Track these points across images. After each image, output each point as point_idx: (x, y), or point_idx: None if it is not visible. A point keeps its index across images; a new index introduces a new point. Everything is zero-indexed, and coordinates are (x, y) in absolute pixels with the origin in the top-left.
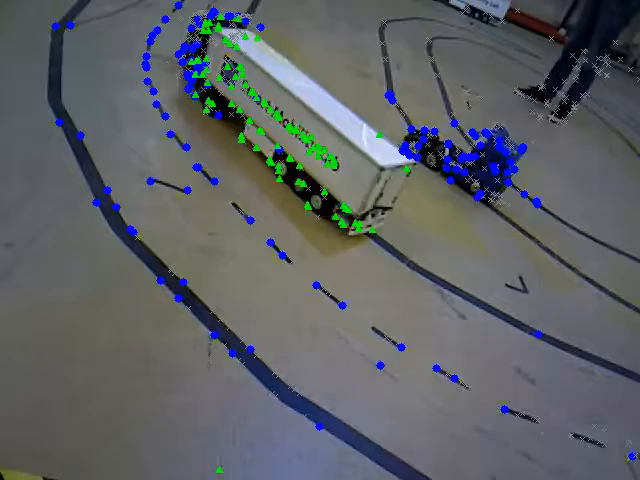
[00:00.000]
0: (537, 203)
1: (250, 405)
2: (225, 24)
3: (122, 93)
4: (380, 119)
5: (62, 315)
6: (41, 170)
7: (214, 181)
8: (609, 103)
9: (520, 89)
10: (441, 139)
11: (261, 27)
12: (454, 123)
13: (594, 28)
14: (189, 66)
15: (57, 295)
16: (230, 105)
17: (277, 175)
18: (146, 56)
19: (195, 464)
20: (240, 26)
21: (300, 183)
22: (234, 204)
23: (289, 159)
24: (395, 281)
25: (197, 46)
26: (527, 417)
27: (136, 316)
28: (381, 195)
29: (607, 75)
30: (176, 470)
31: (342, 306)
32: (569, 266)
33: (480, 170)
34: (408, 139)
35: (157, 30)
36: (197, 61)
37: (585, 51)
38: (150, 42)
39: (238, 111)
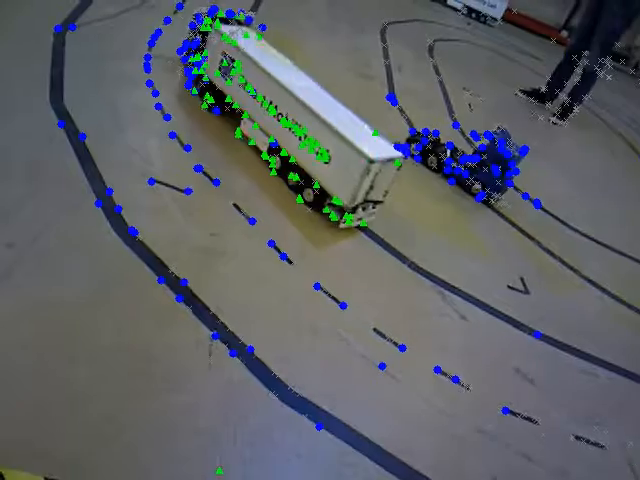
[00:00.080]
0: (538, 204)
1: (250, 405)
2: (225, 21)
3: (124, 94)
4: (382, 121)
5: (63, 315)
6: (43, 171)
7: (216, 182)
8: (611, 105)
9: (521, 91)
10: (442, 141)
11: (263, 27)
12: (456, 125)
13: (596, 30)
14: (190, 63)
15: (58, 295)
16: (227, 100)
17: (271, 169)
18: (147, 57)
19: (196, 464)
20: (241, 24)
21: (293, 177)
22: (235, 205)
23: (283, 153)
24: (396, 281)
25: (198, 43)
26: (528, 418)
27: (137, 316)
28: (372, 188)
29: (609, 77)
30: (178, 470)
31: (343, 306)
32: (571, 267)
33: (481, 172)
34: (409, 141)
35: (159, 32)
36: (197, 58)
37: (587, 53)
38: (152, 44)
39: (234, 106)
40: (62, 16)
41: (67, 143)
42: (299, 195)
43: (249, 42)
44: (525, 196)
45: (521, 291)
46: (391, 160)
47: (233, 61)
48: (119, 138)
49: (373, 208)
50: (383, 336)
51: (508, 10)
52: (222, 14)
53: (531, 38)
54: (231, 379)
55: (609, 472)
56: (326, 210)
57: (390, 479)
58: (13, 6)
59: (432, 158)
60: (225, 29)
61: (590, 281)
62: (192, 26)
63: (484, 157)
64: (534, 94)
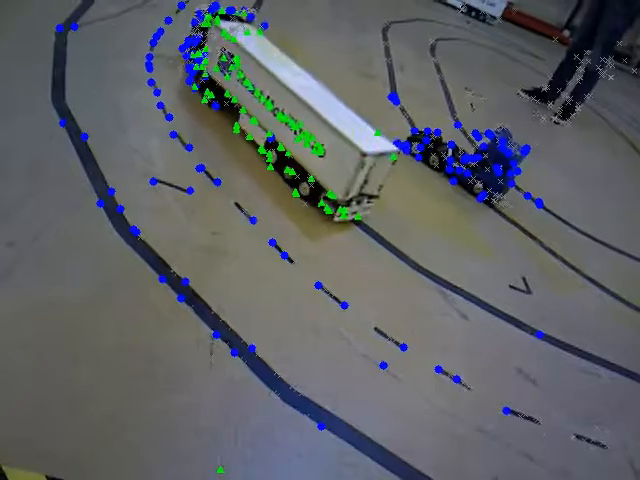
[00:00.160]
0: (540, 204)
1: (252, 405)
2: (226, 18)
3: (126, 93)
4: (384, 120)
5: (64, 315)
6: (44, 170)
7: (217, 182)
8: (612, 104)
9: (523, 90)
10: (444, 140)
11: (265, 25)
12: (457, 124)
13: (598, 29)
14: (191, 59)
15: (59, 295)
16: (226, 95)
17: (268, 163)
18: (149, 56)
19: (198, 464)
20: (243, 21)
21: (289, 171)
22: (236, 204)
23: (280, 147)
24: (397, 281)
25: (199, 39)
26: (529, 418)
27: (139, 316)
28: (366, 182)
29: (611, 76)
30: (179, 470)
31: (344, 306)
32: (572, 267)
33: (483, 171)
34: (411, 140)
35: (160, 31)
36: (198, 54)
37: (589, 52)
38: (154, 43)
39: (233, 100)
40: (64, 16)
41: (69, 142)
42: (295, 189)
43: (249, 38)
44: (527, 196)
45: (523, 291)
46: (385, 154)
47: (232, 56)
48: (121, 138)
49: (368, 202)
50: (384, 335)
51: (507, 9)
52: (223, 11)
53: (532, 37)
54: (232, 378)
55: (610, 471)
56: (321, 204)
57: (391, 478)
58: (15, 6)
59: (434, 157)
60: (225, 25)
61: (591, 280)
62: (194, 23)
63: (485, 156)
64: (536, 93)
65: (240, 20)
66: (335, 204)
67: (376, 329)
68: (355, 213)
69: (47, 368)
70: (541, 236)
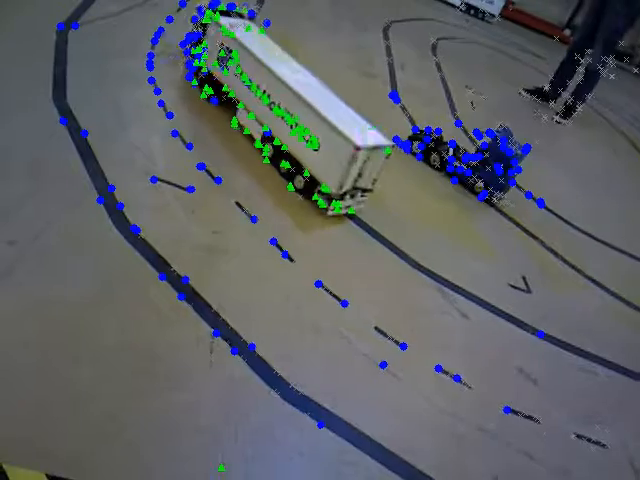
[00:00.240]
0: (541, 203)
1: (252, 403)
2: (226, 14)
3: (127, 92)
4: (384, 119)
5: (65, 313)
6: (45, 168)
7: (218, 180)
8: (614, 104)
9: (525, 89)
10: (445, 139)
11: (267, 22)
12: (458, 123)
13: (599, 28)
14: (191, 55)
15: (60, 293)
16: (224, 89)
17: (264, 157)
18: (150, 55)
19: (198, 462)
20: (243, 17)
21: (284, 164)
22: (237, 203)
23: (276, 141)
24: (397, 279)
25: (199, 35)
26: (529, 417)
27: (140, 315)
28: (360, 176)
29: (612, 76)
30: (179, 468)
31: (344, 304)
32: (573, 266)
33: (484, 170)
34: (412, 139)
35: (161, 29)
36: (198, 50)
37: (590, 51)
38: (155, 41)
39: (231, 94)
40: (65, 14)
41: (69, 140)
42: (290, 183)
43: (248, 34)
44: (528, 195)
45: (523, 290)
46: (379, 148)
47: (230, 51)
48: (121, 136)
49: (362, 196)
50: (384, 334)
51: (506, 7)
52: (223, 7)
53: (533, 36)
54: (232, 377)
55: (610, 471)
56: (315, 197)
57: (391, 477)
58: (15, 4)
59: (435, 156)
60: (224, 21)
61: (592, 280)
62: (195, 19)
63: (486, 155)
64: (537, 93)
65: (240, 16)
66: (329, 198)
67: (376, 328)
68: (349, 207)
69: (48, 367)
70: (542, 235)
